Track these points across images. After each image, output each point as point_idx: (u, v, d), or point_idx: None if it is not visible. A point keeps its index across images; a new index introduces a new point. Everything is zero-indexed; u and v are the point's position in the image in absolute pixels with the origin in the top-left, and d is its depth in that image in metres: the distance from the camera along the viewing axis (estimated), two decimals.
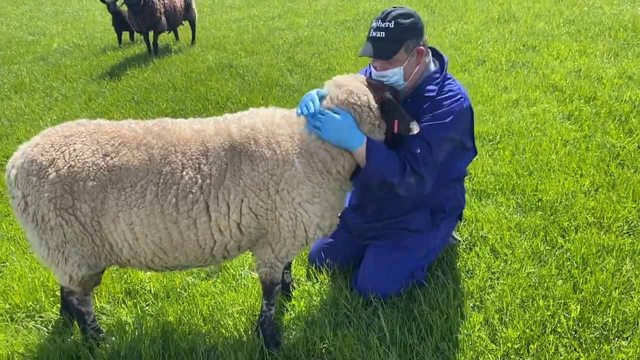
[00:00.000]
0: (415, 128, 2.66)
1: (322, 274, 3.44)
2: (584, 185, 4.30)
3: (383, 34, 2.82)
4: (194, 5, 10.59)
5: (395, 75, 2.89)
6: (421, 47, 2.91)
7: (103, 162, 2.46)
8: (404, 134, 2.69)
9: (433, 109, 2.92)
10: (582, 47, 8.09)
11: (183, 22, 10.54)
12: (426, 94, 2.96)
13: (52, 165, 2.44)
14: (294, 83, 7.63)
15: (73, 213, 2.46)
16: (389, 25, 2.80)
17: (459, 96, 2.96)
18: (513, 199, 4.20)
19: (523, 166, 4.67)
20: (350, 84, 2.71)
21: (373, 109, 2.67)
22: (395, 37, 2.81)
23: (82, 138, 2.53)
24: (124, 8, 9.81)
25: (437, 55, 3.14)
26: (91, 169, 2.44)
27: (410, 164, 2.80)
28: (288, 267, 3.31)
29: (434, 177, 2.94)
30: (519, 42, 8.72)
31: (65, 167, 2.43)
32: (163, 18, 9.61)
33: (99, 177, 2.45)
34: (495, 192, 4.29)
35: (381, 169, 2.73)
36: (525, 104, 6.15)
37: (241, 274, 3.53)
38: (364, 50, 2.90)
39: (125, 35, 11.23)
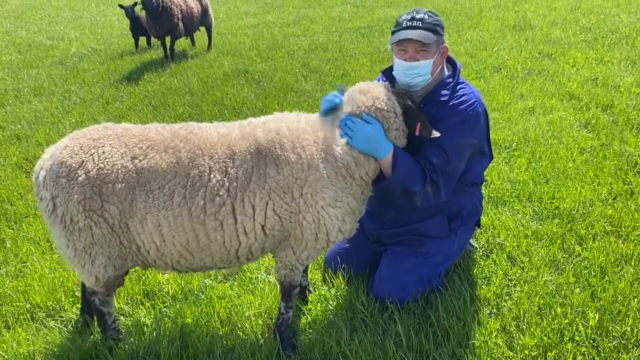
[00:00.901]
0: (436, 132, 2.73)
1: (338, 278, 3.45)
2: (602, 193, 4.27)
3: (419, 23, 2.86)
4: (210, 12, 10.69)
5: (426, 67, 2.90)
6: (446, 45, 2.98)
7: (131, 165, 2.51)
8: (425, 137, 2.75)
9: (448, 115, 2.95)
10: (598, 55, 8.05)
11: (200, 27, 10.64)
12: (440, 99, 3.00)
13: (82, 168, 2.48)
14: (308, 89, 7.67)
15: (102, 215, 2.50)
16: (424, 16, 2.87)
17: (473, 100, 2.99)
18: (530, 206, 4.19)
19: (539, 174, 4.66)
20: (375, 90, 2.76)
21: (398, 115, 2.74)
22: (431, 28, 2.87)
23: (111, 141, 2.58)
24: (142, 13, 9.93)
25: (450, 61, 3.18)
26: (120, 171, 2.49)
27: (429, 173, 2.85)
28: (305, 271, 3.33)
29: (451, 186, 2.99)
30: (535, 50, 8.70)
31: (94, 170, 2.48)
32: (180, 24, 9.72)
33: (128, 180, 2.49)
34: (512, 200, 4.29)
35: (406, 178, 2.80)
36: (542, 111, 6.13)
37: (258, 277, 3.56)
38: (402, 33, 2.86)
39: (142, 40, 11.35)
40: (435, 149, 2.87)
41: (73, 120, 6.96)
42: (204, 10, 10.46)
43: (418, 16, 2.88)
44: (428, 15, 2.89)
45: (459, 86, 3.05)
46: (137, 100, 7.64)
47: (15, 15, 17.53)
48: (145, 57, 10.35)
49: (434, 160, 2.87)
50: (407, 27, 2.87)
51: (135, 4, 10.17)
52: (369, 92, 2.76)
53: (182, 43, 11.21)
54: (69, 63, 10.23)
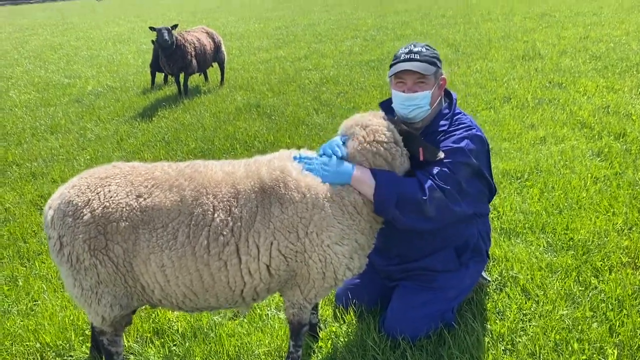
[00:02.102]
0: (441, 153, 2.74)
1: (349, 314, 3.40)
2: (617, 223, 4.20)
3: (418, 56, 2.92)
4: (223, 48, 10.90)
5: (425, 97, 2.93)
6: (444, 77, 3.02)
7: (136, 203, 2.52)
8: (430, 160, 2.74)
9: (445, 139, 2.97)
10: (609, 84, 8.04)
11: (213, 64, 10.84)
12: (439, 129, 3.03)
13: (87, 206, 2.50)
14: (320, 122, 7.73)
15: (106, 254, 2.50)
16: (422, 49, 2.93)
17: (470, 126, 3.02)
18: (543, 237, 4.12)
19: (552, 204, 4.60)
20: (374, 122, 2.76)
21: (399, 142, 2.75)
22: (429, 60, 2.92)
23: (117, 180, 2.60)
24: None
25: (446, 93, 3.22)
26: (124, 209, 2.50)
27: (431, 180, 2.77)
28: (315, 308, 3.29)
29: (462, 199, 2.86)
30: (545, 79, 8.71)
31: (99, 208, 2.49)
32: (194, 61, 9.91)
33: (132, 218, 2.50)
34: (525, 231, 4.23)
35: (395, 187, 2.66)
36: (553, 141, 6.10)
37: (268, 313, 3.52)
38: (401, 65, 2.92)
39: (159, 77, 11.58)
40: (434, 165, 2.83)
41: (88, 157, 7.07)
42: (217, 47, 10.68)
43: (416, 49, 2.94)
44: (426, 49, 2.95)
45: (457, 117, 3.08)
46: (151, 136, 7.75)
47: (35, 55, 18.02)
48: (160, 94, 10.54)
49: (433, 171, 2.80)
50: (405, 60, 2.93)
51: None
52: (368, 126, 2.75)
53: (196, 79, 11.42)
54: (85, 101, 10.45)
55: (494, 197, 3.39)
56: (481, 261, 3.37)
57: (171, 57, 9.56)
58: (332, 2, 33.47)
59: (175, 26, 9.69)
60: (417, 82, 2.93)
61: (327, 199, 2.59)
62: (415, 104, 2.94)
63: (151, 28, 9.70)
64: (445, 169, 2.81)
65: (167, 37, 9.26)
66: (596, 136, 6.08)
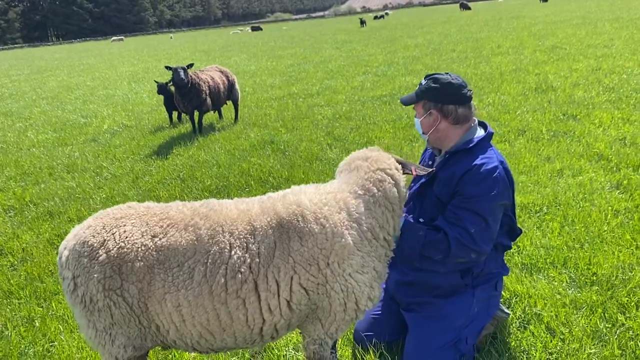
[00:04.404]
0: (429, 168, 2.95)
1: (369, 354, 3.32)
2: None
3: (417, 87, 3.20)
4: (237, 86, 11.08)
5: (416, 124, 3.25)
6: (435, 112, 3.11)
7: (151, 243, 2.51)
8: (422, 174, 2.91)
9: (477, 180, 2.92)
10: (624, 115, 8.00)
11: (227, 101, 11.00)
12: (461, 148, 3.07)
13: (103, 247, 2.49)
14: (333, 157, 7.75)
15: (121, 294, 2.48)
16: (423, 82, 3.17)
17: (496, 164, 2.97)
18: (565, 273, 4.03)
19: (573, 238, 4.52)
20: (373, 154, 2.92)
21: (399, 169, 2.88)
22: (418, 92, 3.16)
23: (132, 220, 2.60)
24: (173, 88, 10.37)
25: (484, 127, 3.24)
26: (139, 249, 2.49)
27: (466, 244, 2.87)
28: (333, 347, 3.22)
29: (490, 245, 3.01)
30: (559, 111, 8.69)
31: (115, 248, 2.48)
32: (208, 99, 10.07)
33: (147, 258, 2.48)
34: (547, 266, 4.14)
35: (419, 248, 2.95)
36: (570, 173, 6.04)
37: (286, 354, 3.45)
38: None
39: (174, 115, 11.79)
40: (473, 218, 2.88)
41: (104, 196, 7.12)
42: (231, 85, 10.85)
43: (422, 81, 3.18)
44: (426, 81, 3.14)
45: (484, 147, 3.07)
46: (166, 173, 7.81)
47: (52, 96, 18.45)
48: (174, 132, 10.68)
49: (471, 230, 2.88)
50: None
51: (170, 81, 10.68)
52: (370, 157, 2.89)
53: (210, 117, 11.56)
54: (101, 140, 10.60)
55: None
56: (489, 289, 3.24)
57: (186, 95, 9.74)
58: (343, 39, 34.08)
59: (190, 65, 9.90)
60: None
61: (346, 226, 2.59)
62: (416, 127, 3.26)
63: (167, 67, 9.90)
64: (483, 225, 2.91)
65: (182, 76, 9.46)
66: (614, 168, 6.02)
